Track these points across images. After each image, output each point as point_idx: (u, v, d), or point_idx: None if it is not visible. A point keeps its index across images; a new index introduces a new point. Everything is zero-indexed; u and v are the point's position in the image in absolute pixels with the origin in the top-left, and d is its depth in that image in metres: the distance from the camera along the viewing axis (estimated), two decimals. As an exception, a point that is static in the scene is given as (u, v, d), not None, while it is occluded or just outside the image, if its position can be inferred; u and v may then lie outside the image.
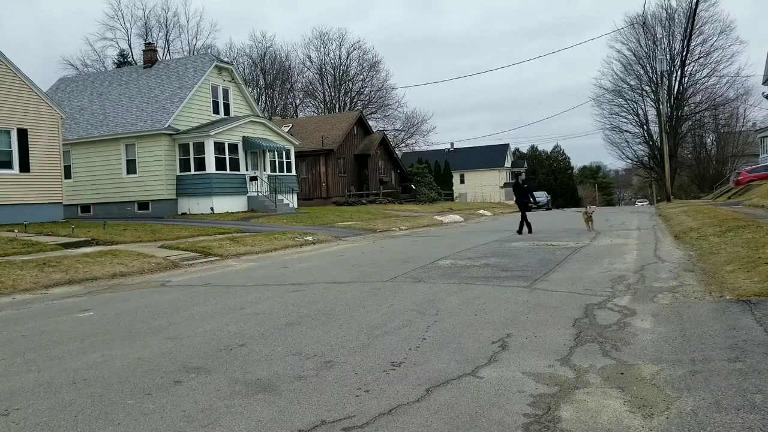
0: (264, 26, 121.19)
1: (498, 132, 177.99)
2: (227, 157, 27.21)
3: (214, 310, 7.33)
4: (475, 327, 5.77)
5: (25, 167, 19.92)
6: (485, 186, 72.95)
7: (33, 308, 8.19)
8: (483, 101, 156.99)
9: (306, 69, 71.05)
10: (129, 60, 55.03)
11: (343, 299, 7.65)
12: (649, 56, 59.04)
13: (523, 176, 18.87)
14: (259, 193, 28.74)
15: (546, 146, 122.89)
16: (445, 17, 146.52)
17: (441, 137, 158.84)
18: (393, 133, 67.55)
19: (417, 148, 73.33)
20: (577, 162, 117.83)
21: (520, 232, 17.86)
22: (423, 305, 6.97)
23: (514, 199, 19.00)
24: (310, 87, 70.95)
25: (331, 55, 70.13)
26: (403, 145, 71.65)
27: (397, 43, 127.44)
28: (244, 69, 63.92)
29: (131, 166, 27.09)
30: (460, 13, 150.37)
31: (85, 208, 27.96)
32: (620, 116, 64.37)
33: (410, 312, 6.61)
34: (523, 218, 18.28)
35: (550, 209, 49.65)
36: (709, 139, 67.82)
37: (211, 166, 26.35)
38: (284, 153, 31.43)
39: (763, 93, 43.92)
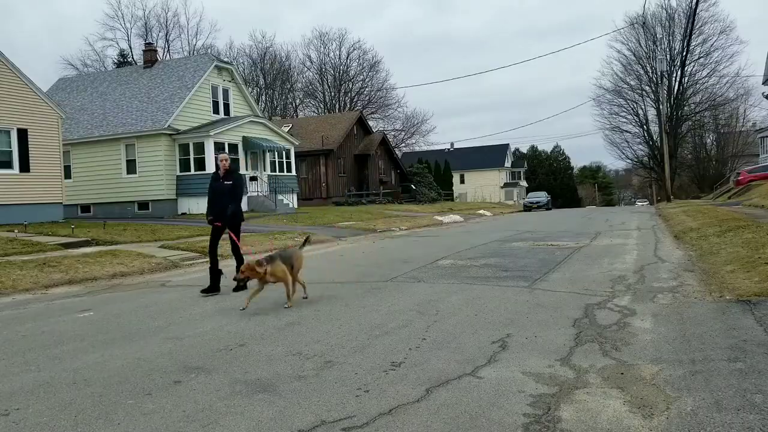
0: (268, 26, 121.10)
1: (498, 132, 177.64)
2: (227, 157, 27.20)
3: (214, 310, 7.33)
4: (475, 327, 5.77)
5: (25, 167, 19.93)
6: (485, 186, 73.05)
7: (33, 308, 8.19)
8: (487, 101, 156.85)
9: (306, 69, 71.22)
10: (129, 60, 55.02)
11: (343, 299, 7.65)
12: (649, 56, 59.04)
13: (227, 161, 9.58)
14: (259, 193, 28.75)
15: (546, 146, 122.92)
16: (459, 15, 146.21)
17: (443, 137, 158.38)
18: (393, 133, 67.64)
19: (417, 148, 73.41)
20: (577, 162, 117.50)
21: (215, 285, 8.76)
22: (423, 305, 6.97)
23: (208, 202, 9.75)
24: (310, 87, 71.07)
25: (331, 55, 70.29)
26: (403, 145, 71.73)
27: (409, 42, 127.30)
28: (244, 69, 63.93)
29: (131, 166, 27.11)
30: (475, 11, 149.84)
31: (85, 208, 27.96)
32: (620, 116, 64.47)
33: (410, 312, 6.61)
34: (215, 244, 9.25)
35: (550, 209, 49.61)
36: (709, 139, 67.89)
37: (211, 166, 26.29)
38: (284, 153, 31.43)
39: (763, 93, 43.93)
